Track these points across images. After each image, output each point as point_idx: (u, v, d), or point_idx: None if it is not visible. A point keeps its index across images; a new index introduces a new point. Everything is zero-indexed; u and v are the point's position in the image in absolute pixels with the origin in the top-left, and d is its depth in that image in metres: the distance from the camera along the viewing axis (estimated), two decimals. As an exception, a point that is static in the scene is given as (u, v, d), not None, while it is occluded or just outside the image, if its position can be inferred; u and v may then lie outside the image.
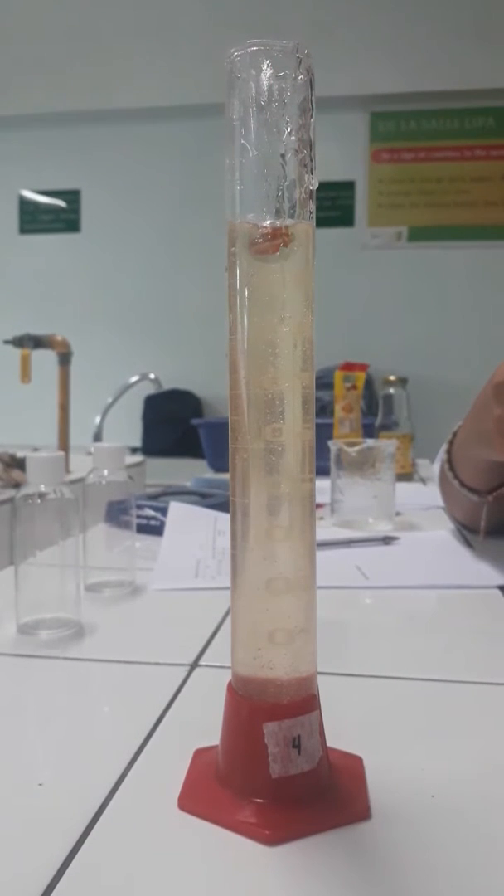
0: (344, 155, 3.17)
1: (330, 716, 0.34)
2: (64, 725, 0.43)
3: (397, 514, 1.03)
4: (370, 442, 1.04)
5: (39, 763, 0.38)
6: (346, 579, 0.72)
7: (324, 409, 1.87)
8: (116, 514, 0.71)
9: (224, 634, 0.56)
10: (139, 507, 0.90)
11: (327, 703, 0.34)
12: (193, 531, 0.86)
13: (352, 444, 1.01)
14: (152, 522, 0.91)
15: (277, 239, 0.31)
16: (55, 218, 3.43)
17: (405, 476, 1.46)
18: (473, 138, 3.12)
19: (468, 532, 0.93)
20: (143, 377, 2.49)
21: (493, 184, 3.11)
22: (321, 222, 2.45)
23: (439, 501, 1.03)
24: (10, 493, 1.45)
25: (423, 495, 1.25)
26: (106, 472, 0.69)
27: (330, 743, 0.34)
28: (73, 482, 0.81)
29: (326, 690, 0.34)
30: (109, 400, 2.33)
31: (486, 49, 2.95)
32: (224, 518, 0.88)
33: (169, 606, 0.66)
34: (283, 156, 0.30)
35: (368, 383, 2.43)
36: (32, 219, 3.45)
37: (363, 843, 0.30)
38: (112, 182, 3.34)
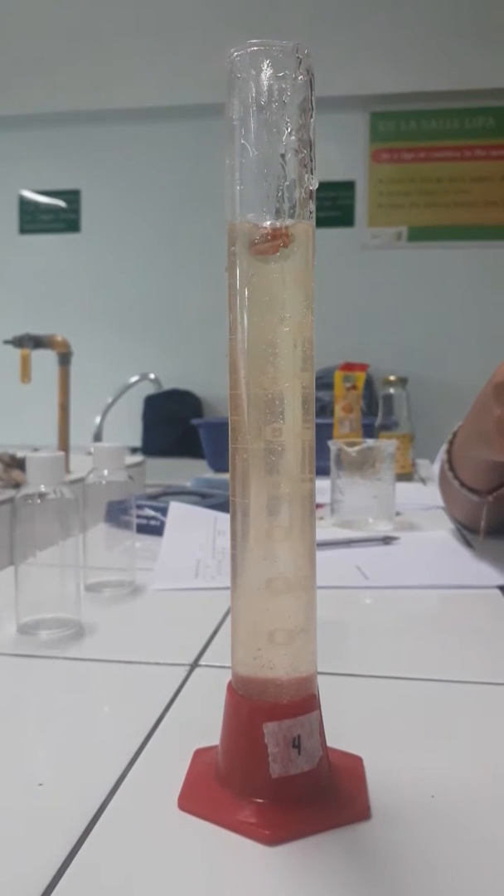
0: (344, 155, 3.17)
1: (330, 716, 0.34)
2: (64, 725, 0.43)
3: (397, 514, 1.03)
4: (370, 442, 1.04)
5: (39, 763, 0.38)
6: (346, 579, 0.72)
7: (324, 409, 1.87)
8: (116, 514, 0.71)
9: (224, 634, 0.56)
10: (139, 507, 0.90)
11: (327, 703, 0.34)
12: (193, 531, 0.86)
13: (352, 444, 1.01)
14: (152, 522, 0.91)
15: (277, 240, 0.31)
16: (55, 218, 3.43)
17: (405, 476, 1.46)
18: (473, 138, 3.12)
19: (468, 532, 0.93)
20: (143, 377, 2.49)
21: (493, 184, 3.11)
22: (321, 222, 2.46)
23: (439, 501, 1.03)
24: (10, 493, 1.45)
25: (423, 495, 1.25)
26: (106, 472, 0.69)
27: (330, 743, 0.34)
28: (73, 482, 0.81)
29: (326, 690, 0.34)
30: (109, 400, 2.33)
31: (486, 49, 2.95)
32: (224, 518, 0.88)
33: (169, 606, 0.66)
34: (283, 156, 0.30)
35: (368, 383, 2.43)
36: (32, 219, 3.46)
37: (363, 843, 0.30)
38: (112, 182, 3.34)
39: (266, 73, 0.30)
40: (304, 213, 0.31)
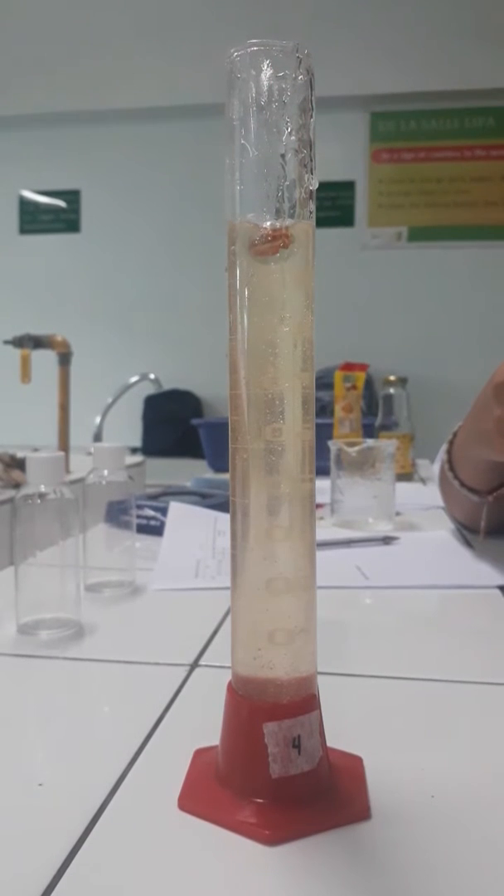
0: (344, 155, 3.17)
1: (330, 716, 0.34)
2: (64, 725, 0.43)
3: (397, 514, 1.03)
4: (370, 442, 1.04)
5: (39, 763, 0.38)
6: (346, 579, 0.72)
7: (324, 409, 1.87)
8: (116, 514, 0.71)
9: (224, 634, 0.56)
10: (139, 507, 0.90)
11: (327, 703, 0.34)
12: (193, 531, 0.86)
13: (352, 444, 1.01)
14: (152, 522, 0.91)
15: (277, 240, 0.31)
16: (55, 218, 3.43)
17: (405, 476, 1.46)
18: (473, 138, 3.12)
19: (468, 532, 0.93)
20: (143, 377, 2.49)
21: (493, 184, 3.11)
22: (321, 222, 2.46)
23: (439, 501, 1.03)
24: (10, 493, 1.45)
25: (423, 495, 1.25)
26: (106, 472, 0.69)
27: (330, 743, 0.34)
28: (73, 482, 0.81)
29: (326, 690, 0.34)
30: (109, 400, 2.33)
31: (486, 49, 2.95)
32: (224, 518, 0.88)
33: (169, 606, 0.66)
34: (283, 156, 0.30)
35: (368, 383, 2.43)
36: (32, 219, 3.45)
37: (363, 843, 0.30)
38: (112, 182, 3.34)
39: (266, 73, 0.30)
40: (304, 213, 0.31)
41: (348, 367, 1.51)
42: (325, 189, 3.01)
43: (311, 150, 0.31)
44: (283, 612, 0.32)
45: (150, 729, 0.40)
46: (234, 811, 0.31)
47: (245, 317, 0.32)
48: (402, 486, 1.24)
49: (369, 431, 1.53)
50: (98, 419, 2.26)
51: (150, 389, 3.01)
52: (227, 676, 0.34)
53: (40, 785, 0.35)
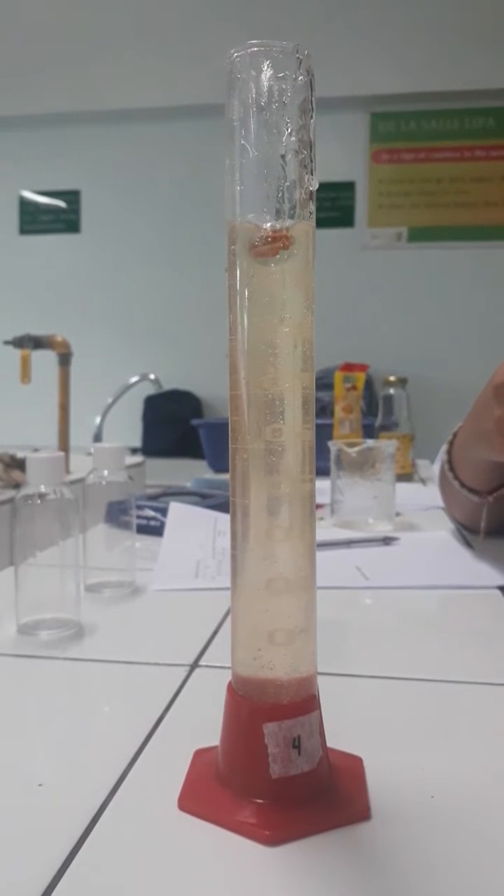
0: (344, 155, 3.17)
1: (330, 716, 0.34)
2: (64, 725, 0.43)
3: (397, 514, 1.03)
4: (370, 442, 1.04)
5: (39, 763, 0.38)
6: (346, 579, 0.72)
7: (324, 410, 1.87)
8: (116, 514, 0.71)
9: (224, 634, 0.56)
10: (139, 507, 0.90)
11: (327, 703, 0.34)
12: (193, 532, 0.86)
13: (352, 445, 1.01)
14: (152, 523, 0.91)
15: (278, 242, 0.31)
16: (55, 218, 3.44)
17: (405, 476, 1.46)
18: (473, 139, 3.12)
19: (468, 532, 0.93)
20: (143, 377, 2.49)
21: (493, 184, 3.12)
22: (321, 223, 2.45)
23: (439, 502, 1.03)
24: (10, 493, 1.45)
25: (423, 496, 1.25)
26: (106, 472, 0.69)
27: (330, 743, 0.34)
28: (73, 482, 0.81)
29: (326, 690, 0.34)
30: (109, 400, 2.33)
31: (486, 49, 2.95)
32: (224, 518, 0.88)
33: (169, 607, 0.66)
34: (283, 156, 0.30)
35: (368, 384, 2.43)
36: (32, 219, 3.46)
37: (363, 844, 0.30)
38: (112, 182, 3.34)
39: (266, 73, 0.30)
40: (304, 213, 0.31)
41: (348, 367, 1.51)
42: (325, 189, 3.01)
43: (311, 150, 0.31)
44: (283, 613, 0.32)
45: (150, 729, 0.40)
46: (235, 811, 0.31)
47: (245, 317, 0.32)
48: (402, 487, 1.24)
49: (369, 432, 1.53)
50: (98, 419, 2.26)
51: (150, 390, 3.00)
52: (227, 677, 0.34)
53: (40, 785, 0.35)
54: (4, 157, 3.41)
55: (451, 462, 0.86)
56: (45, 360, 1.87)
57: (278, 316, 0.31)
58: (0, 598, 0.63)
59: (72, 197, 3.41)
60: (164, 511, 0.91)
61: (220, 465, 1.71)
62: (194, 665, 0.50)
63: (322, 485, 0.80)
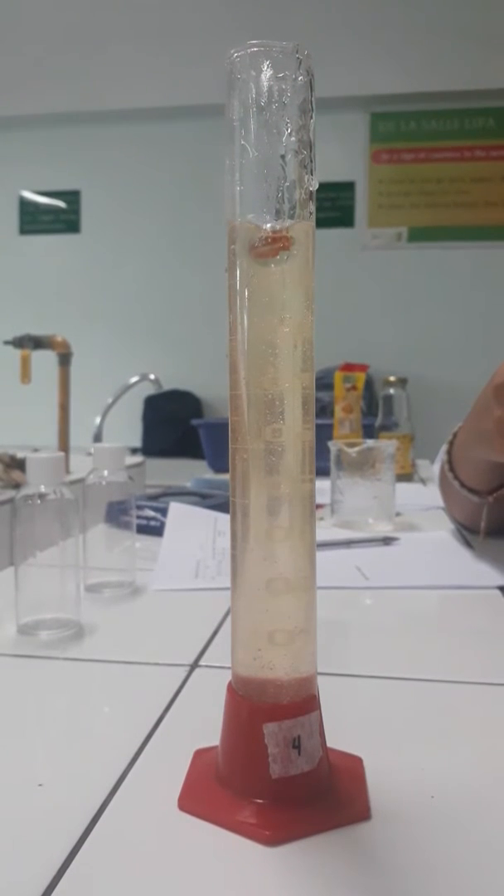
0: (344, 155, 3.17)
1: (330, 716, 0.34)
2: (64, 725, 0.43)
3: (397, 514, 1.03)
4: (370, 442, 1.04)
5: (39, 763, 0.38)
6: (346, 579, 0.72)
7: (324, 410, 1.87)
8: (116, 514, 0.71)
9: (224, 635, 0.56)
10: (139, 507, 0.90)
11: (327, 703, 0.34)
12: (193, 532, 0.86)
13: (352, 445, 1.01)
14: (152, 523, 0.91)
15: (278, 243, 0.31)
16: (55, 218, 3.43)
17: (405, 476, 1.46)
18: (473, 139, 3.12)
19: (468, 532, 0.93)
20: (143, 377, 2.49)
21: (493, 184, 3.11)
22: (321, 223, 2.45)
23: (439, 502, 1.03)
24: (10, 493, 1.45)
25: (423, 496, 1.25)
26: (106, 472, 0.69)
27: (330, 743, 0.34)
28: (73, 483, 0.81)
29: (326, 690, 0.34)
30: (109, 400, 2.32)
31: (486, 49, 2.95)
32: (224, 518, 0.88)
33: (169, 607, 0.66)
34: (283, 157, 0.30)
35: (368, 384, 2.43)
36: (32, 219, 3.46)
37: (363, 844, 0.30)
38: (112, 182, 3.34)
39: (266, 73, 0.30)
40: (304, 213, 0.31)
41: (348, 367, 1.51)
42: (325, 190, 3.01)
43: (311, 150, 0.31)
44: (283, 613, 0.32)
45: (150, 729, 0.40)
46: (235, 811, 0.31)
47: (245, 317, 0.32)
48: (402, 487, 1.24)
49: (369, 432, 1.54)
50: (98, 419, 2.26)
51: (150, 390, 3.00)
52: (227, 677, 0.34)
53: (40, 785, 0.35)
54: (4, 157, 3.41)
55: (451, 462, 0.86)
56: (45, 360, 1.87)
57: (278, 316, 0.31)
58: (0, 598, 0.63)
59: (72, 197, 3.41)
60: (164, 511, 0.91)
61: (220, 465, 1.72)
62: (194, 665, 0.50)
63: (322, 485, 0.80)
